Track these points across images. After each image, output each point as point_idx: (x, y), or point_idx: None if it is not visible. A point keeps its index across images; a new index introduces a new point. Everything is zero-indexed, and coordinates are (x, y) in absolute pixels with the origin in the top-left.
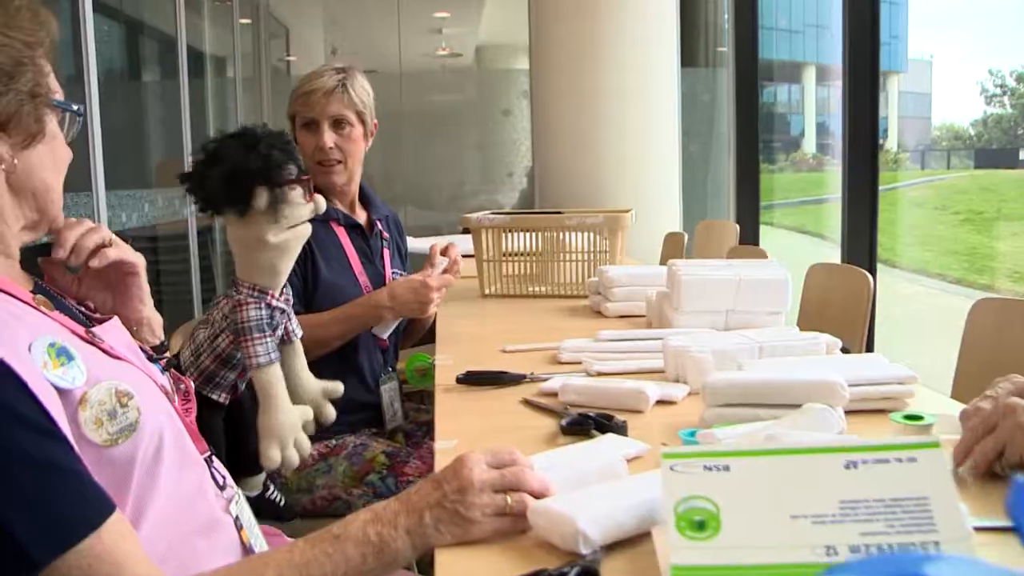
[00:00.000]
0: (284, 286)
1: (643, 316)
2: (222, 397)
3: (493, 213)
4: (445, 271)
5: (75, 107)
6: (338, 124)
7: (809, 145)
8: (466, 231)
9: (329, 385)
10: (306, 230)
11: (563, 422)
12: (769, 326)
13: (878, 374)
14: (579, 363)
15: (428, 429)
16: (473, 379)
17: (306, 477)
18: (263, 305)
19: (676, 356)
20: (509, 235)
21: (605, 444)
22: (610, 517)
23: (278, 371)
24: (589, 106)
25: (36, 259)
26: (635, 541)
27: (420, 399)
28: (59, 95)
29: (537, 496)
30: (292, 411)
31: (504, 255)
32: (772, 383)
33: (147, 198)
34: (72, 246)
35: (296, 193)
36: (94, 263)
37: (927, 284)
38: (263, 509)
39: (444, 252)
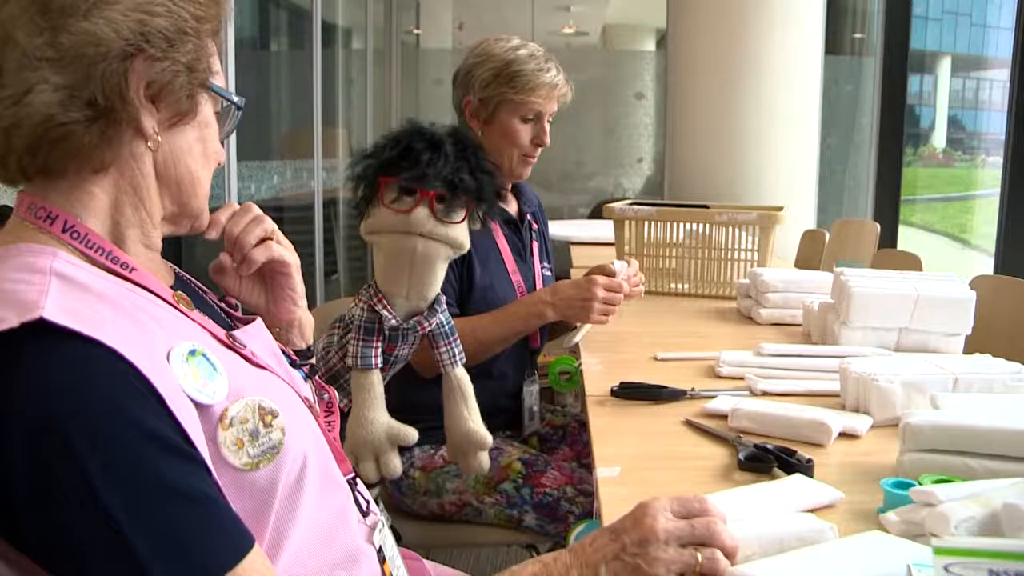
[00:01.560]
0: (429, 311)
1: (799, 325)
2: (343, 403)
3: (635, 203)
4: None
5: (235, 98)
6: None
7: (939, 139)
8: (592, 217)
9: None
10: None
11: (741, 456)
12: (945, 349)
13: None
14: (740, 379)
15: (564, 434)
16: (629, 392)
17: (435, 479)
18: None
19: (857, 383)
20: (651, 227)
21: (792, 487)
22: None
23: (371, 381)
24: (727, 93)
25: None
26: None
27: (550, 398)
28: (220, 81)
29: (729, 556)
30: (375, 425)
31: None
32: (986, 431)
33: (276, 170)
34: (235, 241)
35: None
36: (258, 256)
37: None
38: None
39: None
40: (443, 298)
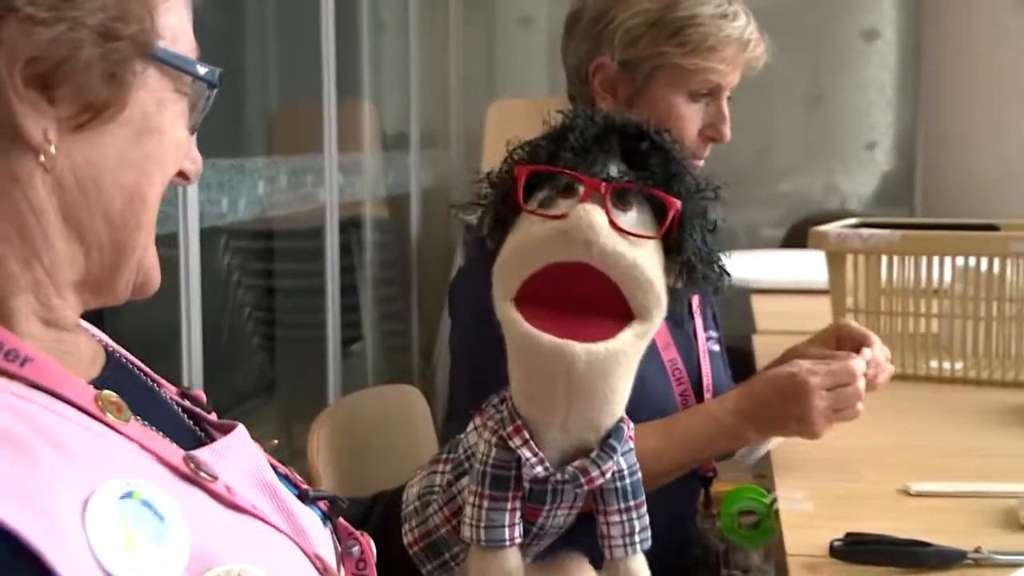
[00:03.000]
0: (602, 450)
1: None
2: None
3: (864, 223)
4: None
5: (203, 70)
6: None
7: None
8: (788, 245)
9: None
10: None
11: None
12: None
13: None
14: None
15: None
16: (862, 550)
17: None
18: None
19: None
20: (893, 265)
21: None
22: None
23: (503, 567)
24: None
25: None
26: None
27: (724, 558)
28: (180, 46)
29: None
30: None
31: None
32: None
33: (262, 171)
34: None
35: None
36: None
37: None
38: None
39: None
40: (628, 427)
